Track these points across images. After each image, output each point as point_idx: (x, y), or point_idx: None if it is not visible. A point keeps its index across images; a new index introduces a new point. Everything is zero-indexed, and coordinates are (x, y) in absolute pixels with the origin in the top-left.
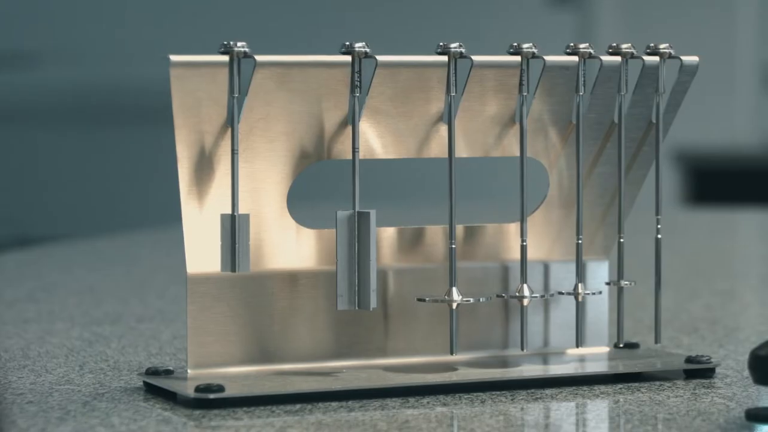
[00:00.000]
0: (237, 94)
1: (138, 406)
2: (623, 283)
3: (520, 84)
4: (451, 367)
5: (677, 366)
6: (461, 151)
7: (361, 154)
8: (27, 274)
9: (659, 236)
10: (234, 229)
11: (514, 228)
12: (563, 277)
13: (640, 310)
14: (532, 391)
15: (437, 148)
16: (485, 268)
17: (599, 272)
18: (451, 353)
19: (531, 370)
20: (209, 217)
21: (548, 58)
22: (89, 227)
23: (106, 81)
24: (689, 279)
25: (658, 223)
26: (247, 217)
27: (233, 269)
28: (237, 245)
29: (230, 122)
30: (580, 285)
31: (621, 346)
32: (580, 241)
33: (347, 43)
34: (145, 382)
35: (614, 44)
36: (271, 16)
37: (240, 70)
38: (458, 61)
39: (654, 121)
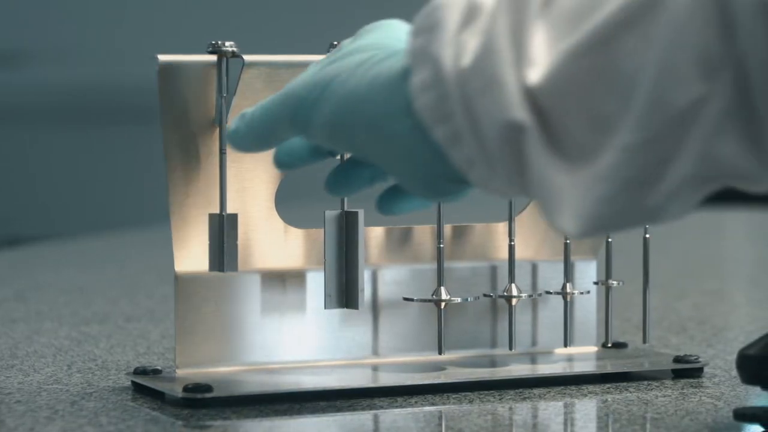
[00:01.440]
0: (225, 93)
1: (126, 405)
2: (611, 282)
3: None
4: (439, 366)
5: (665, 365)
6: None
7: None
8: (16, 273)
9: (647, 236)
10: (222, 228)
11: (502, 227)
12: (551, 276)
13: (629, 310)
14: (520, 390)
15: None
16: (473, 268)
17: (587, 272)
18: (439, 353)
19: (519, 369)
20: (197, 216)
21: None
22: (78, 227)
23: (96, 80)
24: (677, 278)
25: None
26: (235, 216)
27: (221, 269)
28: (225, 245)
29: (218, 122)
30: (568, 284)
31: (609, 345)
32: (568, 241)
33: (335, 43)
34: (133, 382)
35: None
36: (263, 16)
37: (228, 70)
38: None
39: None
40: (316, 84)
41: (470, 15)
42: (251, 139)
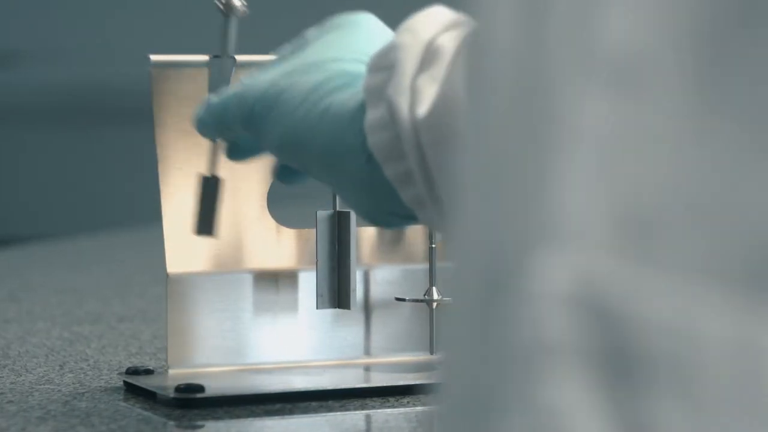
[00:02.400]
0: (232, 54)
1: (118, 405)
2: None
3: None
4: (431, 366)
5: None
6: None
7: None
8: (8, 273)
9: None
10: (215, 191)
11: None
12: None
13: None
14: None
15: None
16: None
17: None
18: (431, 353)
19: None
20: (189, 216)
21: None
22: (71, 227)
23: (88, 81)
24: None
25: None
26: (222, 180)
27: (210, 233)
28: (216, 209)
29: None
30: None
31: None
32: None
33: None
34: (125, 382)
35: None
36: (258, 16)
37: (237, 29)
38: None
39: None
40: (267, 98)
41: (428, 59)
42: (213, 130)
